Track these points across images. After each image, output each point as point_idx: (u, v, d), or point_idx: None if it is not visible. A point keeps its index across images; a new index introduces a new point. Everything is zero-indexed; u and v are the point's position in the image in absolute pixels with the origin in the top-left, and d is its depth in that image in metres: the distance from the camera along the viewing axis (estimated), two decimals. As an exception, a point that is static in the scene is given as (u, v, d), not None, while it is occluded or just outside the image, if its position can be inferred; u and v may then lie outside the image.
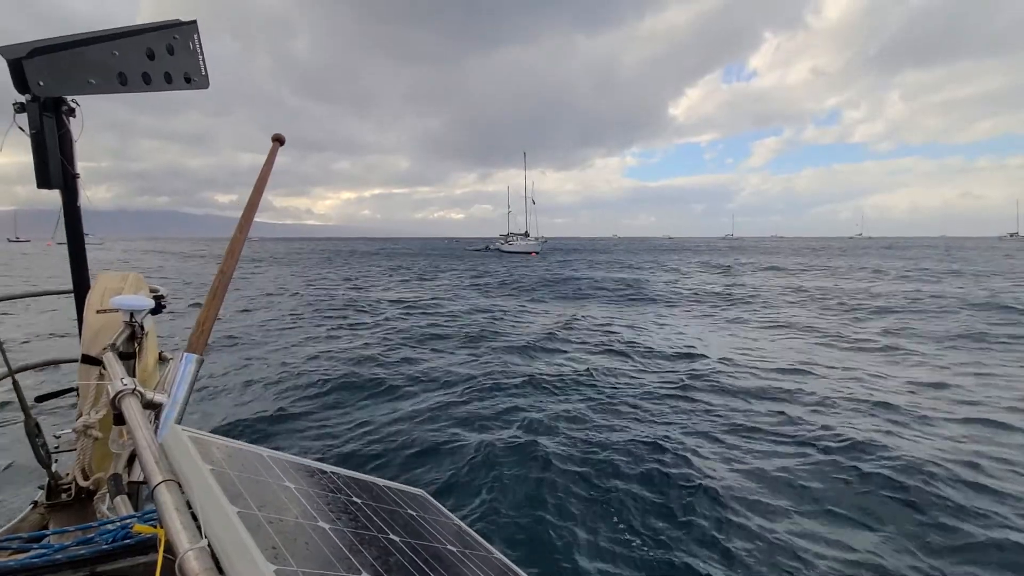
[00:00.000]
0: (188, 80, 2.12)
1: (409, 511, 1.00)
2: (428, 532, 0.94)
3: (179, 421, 1.04)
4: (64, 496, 1.69)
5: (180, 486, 0.67)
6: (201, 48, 2.18)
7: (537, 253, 60.50)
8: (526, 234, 72.89)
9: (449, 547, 0.91)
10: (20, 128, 1.65)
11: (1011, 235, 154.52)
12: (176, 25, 2.04)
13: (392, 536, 0.82)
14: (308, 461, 1.00)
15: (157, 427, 1.01)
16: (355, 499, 0.91)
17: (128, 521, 0.97)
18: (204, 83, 2.21)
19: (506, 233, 76.16)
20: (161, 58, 1.96)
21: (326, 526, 0.73)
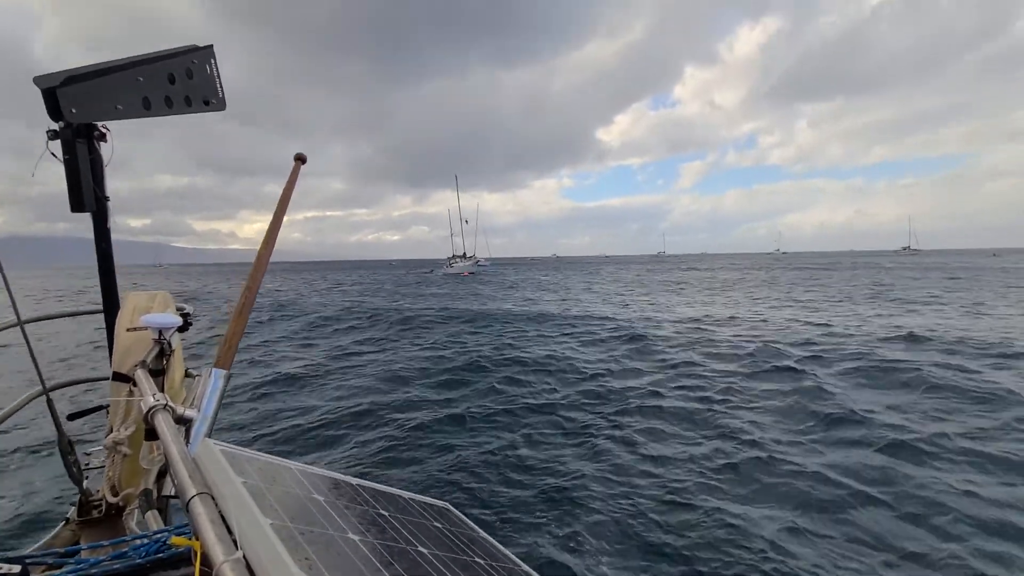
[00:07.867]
0: (207, 103, 2.15)
1: (436, 523, 1.05)
2: (456, 544, 0.97)
3: (209, 435, 1.08)
4: (95, 513, 1.74)
5: (214, 499, 0.67)
6: (218, 71, 2.21)
7: (472, 273, 65.88)
8: (464, 255, 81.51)
9: (477, 559, 0.95)
10: (52, 154, 1.68)
11: (904, 248, 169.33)
12: (194, 50, 2.08)
13: (421, 548, 0.86)
14: (333, 473, 1.05)
15: (188, 441, 1.01)
16: (382, 511, 0.96)
17: (161, 535, 0.97)
18: (221, 105, 2.23)
19: (451, 256, 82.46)
20: (181, 82, 2.00)
21: (356, 538, 0.75)
